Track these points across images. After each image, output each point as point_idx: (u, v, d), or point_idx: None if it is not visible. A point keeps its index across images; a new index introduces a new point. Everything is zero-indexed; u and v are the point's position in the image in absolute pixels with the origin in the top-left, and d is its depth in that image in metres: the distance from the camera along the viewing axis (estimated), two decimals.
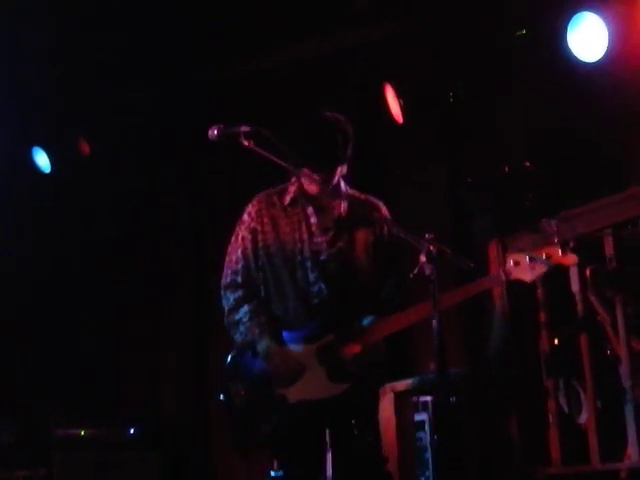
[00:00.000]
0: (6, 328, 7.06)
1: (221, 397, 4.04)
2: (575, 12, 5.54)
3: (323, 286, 3.93)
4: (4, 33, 6.39)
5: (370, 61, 6.54)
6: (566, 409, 5.12)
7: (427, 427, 5.42)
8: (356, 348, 3.82)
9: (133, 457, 6.39)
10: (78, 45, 6.64)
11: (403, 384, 5.36)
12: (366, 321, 3.90)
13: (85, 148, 7.17)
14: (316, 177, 3.93)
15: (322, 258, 3.95)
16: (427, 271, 3.57)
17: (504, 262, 3.82)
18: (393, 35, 6.45)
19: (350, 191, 4.09)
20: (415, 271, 3.63)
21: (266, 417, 3.88)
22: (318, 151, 3.90)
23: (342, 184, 4.05)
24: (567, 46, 5.56)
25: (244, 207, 4.17)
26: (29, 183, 7.28)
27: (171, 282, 7.57)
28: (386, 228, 4.01)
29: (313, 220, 4.02)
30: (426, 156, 6.54)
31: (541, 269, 3.74)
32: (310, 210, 4.03)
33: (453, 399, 4.98)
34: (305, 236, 4.00)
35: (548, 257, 3.73)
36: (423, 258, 3.57)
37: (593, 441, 4.82)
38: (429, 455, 5.35)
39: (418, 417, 5.43)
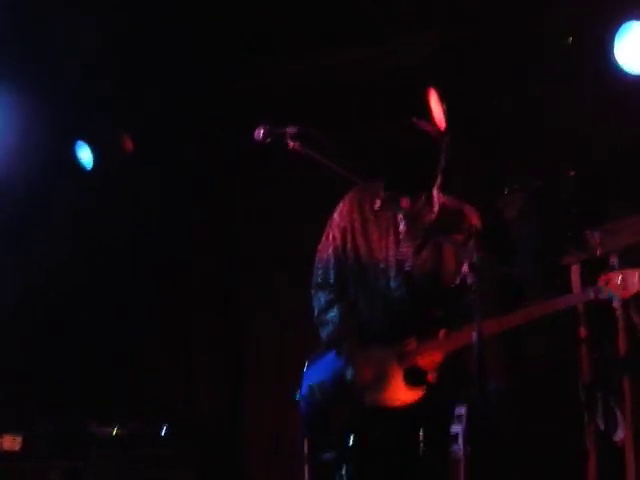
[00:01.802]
0: (44, 324, 7.10)
1: (298, 395, 4.04)
2: (623, 22, 5.47)
3: (405, 293, 3.91)
4: (52, 29, 6.44)
5: (412, 70, 6.52)
6: (602, 426, 5.06)
7: (460, 440, 5.37)
8: (437, 356, 3.78)
9: (168, 454, 6.41)
10: (126, 43, 6.67)
11: None
12: (450, 329, 3.84)
13: (129, 145, 7.19)
14: (403, 201, 3.91)
15: (406, 267, 3.93)
16: (469, 280, 3.53)
17: (594, 280, 3.73)
18: (435, 44, 6.42)
19: (443, 198, 4.03)
20: (457, 281, 3.60)
21: (341, 419, 3.87)
22: (411, 174, 3.86)
23: (435, 192, 4.00)
24: (614, 56, 5.49)
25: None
26: (71, 179, 7.30)
27: (205, 281, 7.58)
28: (474, 239, 3.88)
29: (402, 228, 3.98)
30: (468, 163, 6.49)
31: (634, 288, 3.64)
32: (400, 217, 3.98)
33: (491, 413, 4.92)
34: (392, 244, 3.96)
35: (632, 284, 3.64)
36: (466, 268, 3.53)
37: (630, 460, 4.77)
38: (462, 468, 5.30)
39: (452, 429, 5.38)
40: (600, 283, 3.69)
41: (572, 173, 5.30)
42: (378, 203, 3.97)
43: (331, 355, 3.96)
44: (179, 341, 7.53)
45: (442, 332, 3.82)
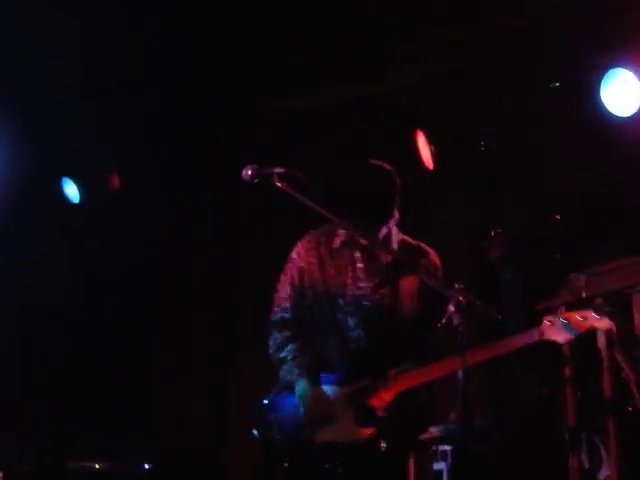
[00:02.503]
0: (25, 362, 7.06)
1: (254, 432, 4.02)
2: (609, 68, 5.56)
3: (362, 332, 3.93)
4: (36, 63, 6.46)
5: (402, 106, 6.59)
6: (587, 465, 5.06)
7: (445, 477, 5.39)
8: (388, 395, 3.81)
9: None
10: (110, 76, 6.69)
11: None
12: (403, 368, 3.86)
13: (115, 181, 7.22)
14: (360, 235, 3.96)
15: (364, 304, 3.96)
16: (456, 321, 3.54)
17: (539, 322, 3.76)
18: (426, 81, 6.48)
19: (401, 237, 4.09)
20: (443, 321, 3.62)
21: (290, 454, 3.88)
22: (367, 207, 3.92)
23: (394, 230, 4.06)
24: (600, 101, 5.58)
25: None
26: (59, 213, 7.31)
27: (199, 313, 7.59)
28: (434, 278, 3.97)
29: (360, 265, 4.02)
30: (454, 204, 6.54)
31: (576, 331, 3.70)
32: (358, 255, 4.03)
33: (475, 449, 4.93)
34: (349, 280, 3.99)
35: (583, 319, 3.70)
36: (452, 308, 3.55)
37: None
38: None
39: (437, 466, 5.40)
40: (544, 325, 3.72)
41: (558, 217, 5.34)
42: (337, 242, 4.06)
43: (286, 394, 3.99)
44: (171, 385, 7.51)
45: (392, 372, 3.85)
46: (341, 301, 3.96)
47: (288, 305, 4.08)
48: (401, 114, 6.60)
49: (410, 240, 4.11)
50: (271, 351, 4.09)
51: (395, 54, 6.49)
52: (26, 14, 6.10)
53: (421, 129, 6.34)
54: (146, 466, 6.47)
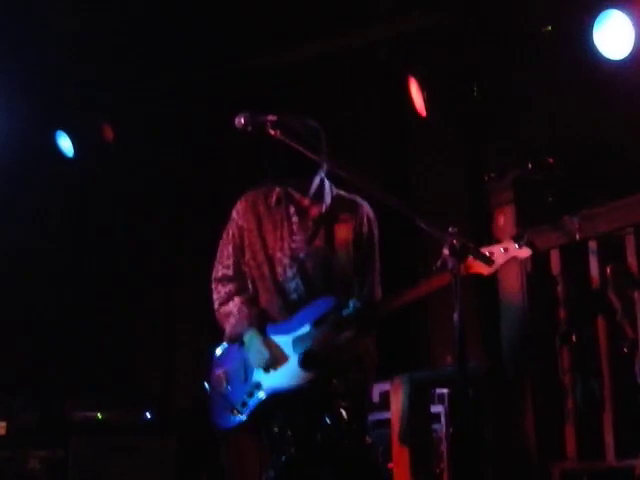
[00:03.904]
0: (25, 313, 7.11)
1: (206, 386, 4.17)
2: (602, 9, 5.53)
3: (300, 282, 4.05)
4: (29, 18, 6.43)
5: (394, 57, 6.56)
6: (582, 405, 5.14)
7: (443, 419, 5.46)
8: (328, 336, 3.91)
9: (149, 441, 6.44)
10: (102, 29, 6.67)
11: (420, 376, 5.38)
12: (344, 312, 3.96)
13: (109, 133, 7.20)
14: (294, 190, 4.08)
15: (300, 256, 4.07)
16: (450, 264, 3.58)
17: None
18: (418, 29, 6.46)
19: (336, 191, 4.17)
20: (438, 264, 3.66)
21: (242, 403, 4.00)
22: (292, 161, 3.95)
23: (327, 184, 4.14)
24: (593, 43, 5.55)
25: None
26: (53, 167, 7.31)
27: (187, 265, 7.62)
28: (366, 227, 4.11)
29: (295, 219, 4.12)
30: (448, 150, 6.54)
31: (497, 263, 3.76)
32: (292, 210, 4.13)
33: (471, 392, 4.99)
34: (285, 234, 4.10)
35: (505, 250, 3.75)
36: (446, 251, 3.58)
37: (609, 437, 4.85)
38: (444, 447, 5.39)
39: (434, 409, 5.47)
40: (469, 260, 3.72)
41: (551, 160, 5.34)
42: (273, 199, 4.17)
43: (234, 346, 4.11)
44: (160, 326, 7.56)
45: (331, 317, 3.94)
46: (279, 254, 4.08)
47: (230, 262, 4.20)
48: (393, 64, 6.58)
49: (344, 194, 4.18)
50: (216, 306, 4.21)
51: (386, 5, 6.46)
52: None
53: (413, 76, 6.33)
54: (147, 415, 6.56)
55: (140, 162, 7.47)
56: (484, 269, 3.78)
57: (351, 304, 3.98)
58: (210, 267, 7.30)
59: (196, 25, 6.75)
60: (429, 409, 5.43)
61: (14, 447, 6.12)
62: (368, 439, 4.04)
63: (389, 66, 6.64)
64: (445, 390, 5.49)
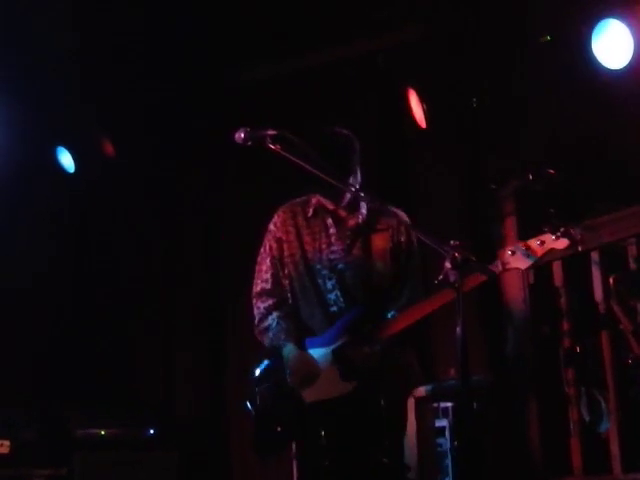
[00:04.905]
0: (25, 329, 7.09)
1: (248, 405, 4.14)
2: (600, 19, 5.52)
3: (339, 294, 4.05)
4: (28, 32, 6.43)
5: (394, 65, 6.56)
6: (587, 418, 5.10)
7: (447, 433, 5.43)
8: (366, 348, 3.90)
9: (152, 457, 6.42)
10: (103, 45, 6.67)
11: (424, 390, 5.35)
12: (380, 322, 3.98)
13: (109, 149, 7.20)
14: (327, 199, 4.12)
15: (339, 266, 4.07)
16: (452, 278, 3.57)
17: (502, 252, 3.80)
18: (418, 40, 6.45)
19: (372, 201, 4.13)
20: (440, 277, 3.65)
21: (282, 417, 3.99)
22: (331, 174, 3.92)
23: (362, 195, 4.10)
24: (592, 53, 5.54)
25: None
26: (53, 183, 7.30)
27: (186, 281, 7.60)
28: (404, 235, 4.12)
29: (332, 230, 4.14)
30: (448, 161, 6.53)
31: (535, 256, 3.76)
32: (330, 221, 4.16)
33: (475, 406, 4.97)
34: (324, 245, 4.12)
35: (541, 243, 3.73)
36: (448, 265, 3.57)
37: (615, 450, 4.82)
38: (449, 461, 5.35)
39: (439, 423, 5.44)
40: (505, 255, 3.75)
41: (551, 170, 5.33)
42: (310, 210, 4.20)
43: (275, 361, 4.10)
44: (160, 342, 7.53)
45: (373, 326, 3.96)
46: (318, 266, 4.09)
47: (268, 276, 4.21)
48: (392, 73, 6.58)
49: (381, 204, 4.12)
50: (256, 322, 4.22)
51: (386, 16, 6.46)
52: None
53: (413, 88, 6.32)
54: (151, 431, 6.53)
55: (140, 176, 7.45)
56: (522, 263, 3.75)
57: (390, 315, 3.99)
58: (205, 284, 7.36)
59: (197, 34, 6.74)
60: (434, 423, 5.40)
61: (17, 465, 6.09)
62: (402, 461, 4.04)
63: (388, 74, 6.63)
64: (449, 404, 5.46)
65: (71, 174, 7.28)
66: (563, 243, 3.75)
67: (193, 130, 7.37)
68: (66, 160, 7.29)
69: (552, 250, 3.76)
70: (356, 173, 4.11)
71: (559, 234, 3.71)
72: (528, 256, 3.74)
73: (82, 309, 7.38)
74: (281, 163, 3.76)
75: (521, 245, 3.74)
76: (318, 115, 6.58)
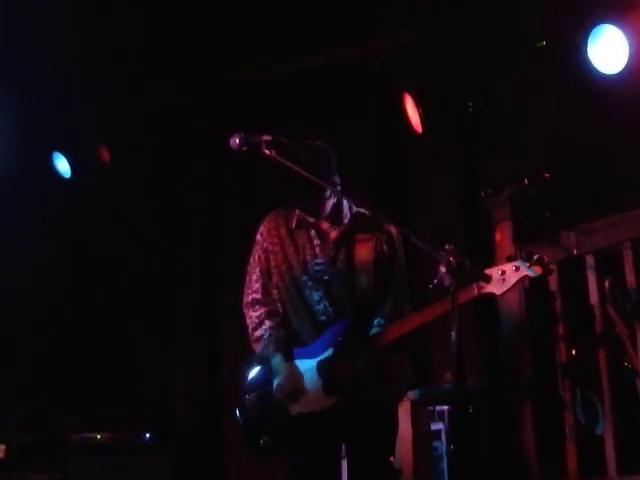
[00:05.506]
0: (23, 334, 7.09)
1: (237, 414, 4.17)
2: (595, 25, 5.54)
3: (327, 304, 4.06)
4: (26, 37, 6.44)
5: (389, 70, 6.58)
6: (583, 421, 5.11)
7: (443, 437, 5.44)
8: (350, 362, 3.90)
9: (147, 460, 6.42)
10: (100, 50, 6.68)
11: (419, 393, 5.35)
12: (371, 332, 3.99)
13: (105, 155, 7.21)
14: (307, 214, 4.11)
15: (325, 278, 4.08)
16: (447, 282, 3.57)
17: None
18: (414, 44, 6.47)
19: (356, 209, 4.17)
20: (435, 282, 3.65)
21: (268, 428, 4.00)
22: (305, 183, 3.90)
23: (345, 204, 4.15)
24: (587, 58, 5.57)
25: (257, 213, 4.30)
26: (49, 188, 7.31)
27: (186, 281, 7.60)
28: (386, 243, 4.12)
29: (316, 242, 4.14)
30: (444, 166, 6.54)
31: (509, 282, 3.75)
32: (313, 233, 4.16)
33: (471, 409, 4.98)
34: (309, 257, 4.12)
35: (516, 269, 3.74)
36: (443, 269, 3.57)
37: (610, 453, 4.82)
38: (445, 465, 5.36)
39: (434, 427, 5.45)
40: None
41: (547, 175, 5.34)
42: (294, 222, 4.19)
43: (265, 369, 4.12)
44: (158, 345, 7.53)
45: (360, 338, 3.95)
46: (304, 277, 4.09)
47: (258, 286, 4.21)
48: (388, 76, 6.60)
49: (363, 212, 4.17)
50: (249, 331, 4.21)
51: (381, 19, 6.48)
52: None
53: (409, 92, 6.34)
54: (147, 435, 6.53)
55: (140, 176, 7.46)
56: (496, 289, 3.76)
57: (375, 323, 3.99)
58: (205, 284, 7.35)
59: (197, 35, 6.76)
60: (429, 426, 5.41)
61: (12, 470, 6.09)
62: (392, 459, 4.05)
63: (386, 77, 6.64)
64: (445, 407, 5.47)
65: (68, 179, 7.30)
66: (537, 270, 3.75)
67: (193, 130, 7.40)
68: (62, 166, 7.31)
69: (525, 277, 3.75)
70: (335, 184, 4.05)
71: (533, 261, 3.71)
72: (503, 281, 3.74)
73: (80, 315, 7.38)
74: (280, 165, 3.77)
75: (497, 270, 3.74)
76: (318, 115, 6.61)
